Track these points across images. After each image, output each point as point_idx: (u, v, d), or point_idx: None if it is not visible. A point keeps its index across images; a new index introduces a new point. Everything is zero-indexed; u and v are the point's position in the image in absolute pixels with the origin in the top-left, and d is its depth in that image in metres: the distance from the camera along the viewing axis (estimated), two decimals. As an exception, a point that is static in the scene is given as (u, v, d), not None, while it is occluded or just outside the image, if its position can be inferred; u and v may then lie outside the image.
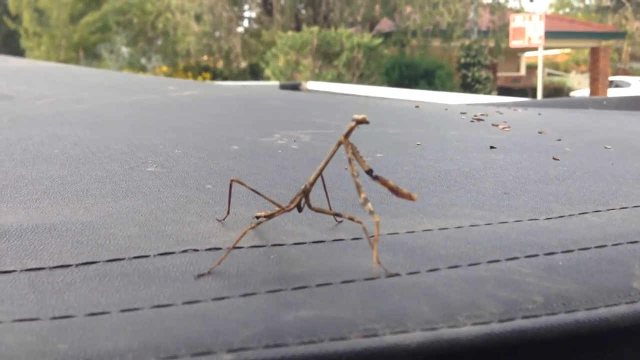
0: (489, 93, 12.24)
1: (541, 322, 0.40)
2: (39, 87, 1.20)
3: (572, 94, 15.66)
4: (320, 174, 0.49)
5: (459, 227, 0.56)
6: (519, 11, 12.83)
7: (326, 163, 0.49)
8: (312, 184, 0.50)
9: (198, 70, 14.44)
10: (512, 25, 10.22)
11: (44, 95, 1.09)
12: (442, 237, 0.53)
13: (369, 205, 0.45)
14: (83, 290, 0.40)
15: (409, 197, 0.47)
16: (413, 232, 0.54)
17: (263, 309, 0.39)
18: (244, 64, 14.64)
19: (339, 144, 0.48)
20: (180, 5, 13.38)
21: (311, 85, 4.85)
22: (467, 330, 0.38)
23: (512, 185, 0.72)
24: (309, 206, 0.51)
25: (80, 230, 0.50)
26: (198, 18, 13.51)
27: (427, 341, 0.37)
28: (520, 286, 0.44)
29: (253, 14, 14.75)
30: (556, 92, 15.45)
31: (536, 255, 0.49)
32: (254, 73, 14.01)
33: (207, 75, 14.02)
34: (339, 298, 0.41)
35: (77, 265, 0.43)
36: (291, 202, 0.50)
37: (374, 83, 10.40)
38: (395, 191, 0.47)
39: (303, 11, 13.77)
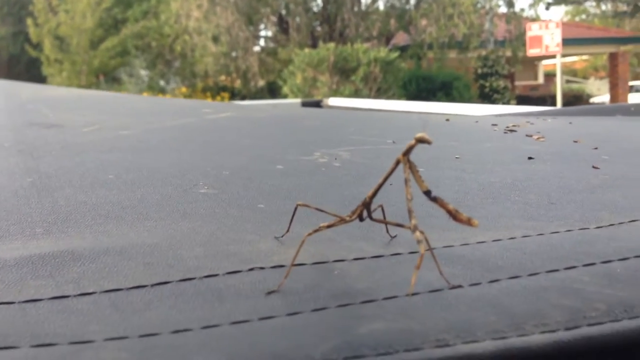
0: (508, 102, 12.18)
1: (606, 329, 0.41)
2: (84, 115, 1.24)
3: (592, 100, 15.52)
4: (379, 188, 0.51)
5: (511, 238, 0.57)
6: (535, 20, 12.80)
7: (385, 179, 0.50)
8: (371, 197, 0.51)
9: (216, 91, 14.58)
10: (529, 34, 10.19)
11: (89, 122, 1.13)
12: (497, 249, 0.54)
13: (418, 233, 0.45)
14: (162, 309, 0.42)
15: (469, 223, 0.47)
16: (467, 244, 0.56)
17: (336, 322, 0.40)
18: (261, 83, 14.76)
19: (398, 162, 0.48)
20: (198, 27, 13.56)
21: (332, 101, 4.88)
22: (537, 338, 0.39)
23: (557, 195, 0.72)
24: (370, 217, 0.52)
25: (149, 252, 0.52)
26: (215, 39, 13.68)
27: (499, 350, 0.38)
28: (581, 294, 0.45)
29: (269, 33, 14.91)
30: (575, 99, 15.32)
31: (593, 264, 0.50)
32: (272, 91, 14.11)
33: (226, 95, 14.14)
34: (407, 310, 0.42)
35: (152, 285, 0.45)
36: (353, 213, 0.52)
37: (391, 97, 10.41)
38: (453, 215, 0.47)
39: (319, 28, 13.87)
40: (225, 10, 13.24)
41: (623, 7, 16.66)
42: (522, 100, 13.96)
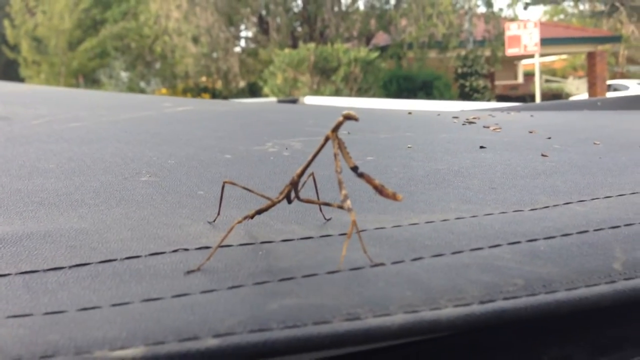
0: (488, 102, 12.26)
1: (521, 303, 0.41)
2: (36, 109, 1.22)
3: (571, 99, 15.68)
4: (307, 166, 0.51)
5: (444, 220, 0.57)
6: (513, 19, 12.90)
7: (314, 156, 0.50)
8: (299, 176, 0.51)
9: (197, 92, 14.51)
10: (508, 33, 10.26)
11: (40, 115, 1.11)
12: (427, 230, 0.54)
13: (348, 202, 0.46)
14: (75, 289, 0.41)
15: (394, 197, 0.47)
16: (399, 226, 0.56)
17: (249, 299, 0.40)
18: (242, 84, 14.73)
19: (327, 138, 0.49)
20: (178, 28, 13.49)
21: (308, 99, 4.88)
22: (448, 312, 0.39)
23: (499, 180, 0.73)
24: (298, 198, 0.52)
25: (74, 236, 0.51)
26: (195, 40, 13.61)
27: (408, 323, 0.38)
28: (501, 271, 0.45)
29: (249, 34, 14.86)
30: (554, 98, 15.46)
31: (518, 242, 0.50)
32: (253, 92, 14.07)
33: (207, 95, 14.07)
34: (323, 287, 0.42)
35: (70, 267, 0.45)
36: (280, 194, 0.52)
37: (372, 97, 10.43)
38: (379, 190, 0.47)
39: (299, 28, 13.86)
40: (205, 11, 13.18)
41: (600, 7, 16.87)
42: (502, 99, 14.06)
